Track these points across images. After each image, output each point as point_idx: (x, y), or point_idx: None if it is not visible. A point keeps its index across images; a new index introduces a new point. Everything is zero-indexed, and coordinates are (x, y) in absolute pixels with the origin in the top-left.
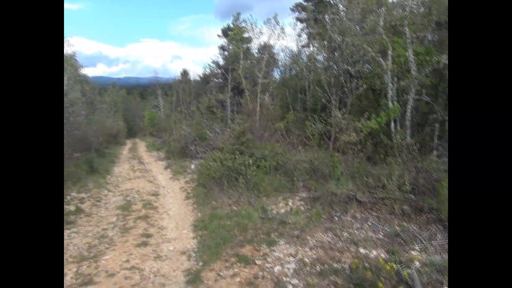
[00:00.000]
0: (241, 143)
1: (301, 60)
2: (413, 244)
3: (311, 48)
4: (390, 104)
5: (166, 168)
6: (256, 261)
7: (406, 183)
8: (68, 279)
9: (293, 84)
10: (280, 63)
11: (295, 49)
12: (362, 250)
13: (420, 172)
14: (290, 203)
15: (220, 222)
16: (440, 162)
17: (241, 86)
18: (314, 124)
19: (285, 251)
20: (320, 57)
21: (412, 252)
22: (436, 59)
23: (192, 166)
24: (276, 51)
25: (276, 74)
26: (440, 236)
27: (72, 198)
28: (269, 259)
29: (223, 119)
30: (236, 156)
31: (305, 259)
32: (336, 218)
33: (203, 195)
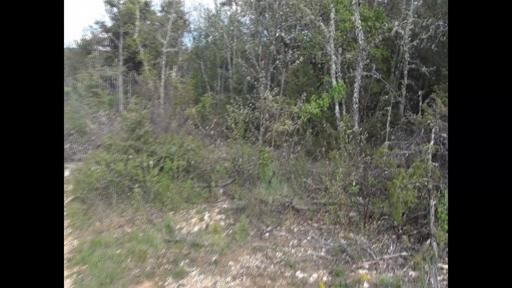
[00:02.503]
0: (138, 137)
1: (220, 23)
2: (362, 260)
3: (234, 8)
4: (334, 82)
5: None
6: None
7: (353, 183)
8: None
9: (210, 56)
10: (192, 26)
11: (212, 7)
12: (299, 274)
13: (370, 169)
14: (206, 218)
15: (107, 251)
16: (392, 154)
17: (137, 58)
18: (238, 109)
19: (199, 284)
20: (245, 20)
21: (360, 271)
22: (387, 26)
23: (66, 173)
24: (187, 10)
25: (188, 41)
26: (392, 248)
27: None
28: None
29: (112, 103)
30: (130, 157)
31: None
32: (267, 234)
33: (81, 215)
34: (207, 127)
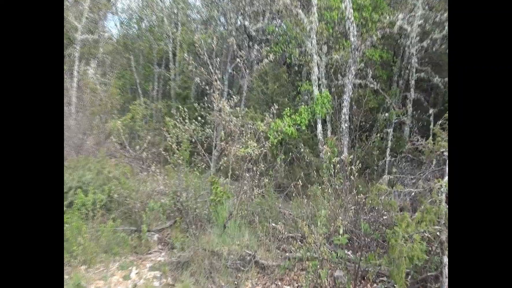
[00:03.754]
0: None
1: (160, 3)
2: None
3: None
4: (316, 91)
5: None
6: None
7: (340, 231)
8: None
9: (144, 48)
10: (120, 6)
11: None
12: None
13: (363, 212)
14: (133, 275)
15: None
16: (393, 193)
17: None
18: (182, 123)
19: None
20: (195, 1)
21: None
22: (389, 19)
23: None
24: None
25: (113, 27)
26: None
27: None
28: None
29: None
30: None
31: None
32: None
33: None
34: (137, 147)
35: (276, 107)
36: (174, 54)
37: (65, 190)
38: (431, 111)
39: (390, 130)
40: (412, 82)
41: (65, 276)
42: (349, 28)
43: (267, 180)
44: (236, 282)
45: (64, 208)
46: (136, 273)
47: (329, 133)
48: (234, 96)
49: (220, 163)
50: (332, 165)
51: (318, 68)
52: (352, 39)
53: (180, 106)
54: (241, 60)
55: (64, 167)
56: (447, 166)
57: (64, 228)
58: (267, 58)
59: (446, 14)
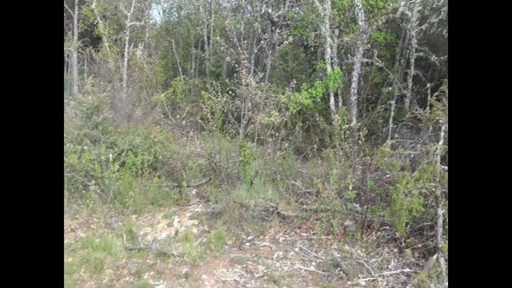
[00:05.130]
0: (95, 125)
1: None
2: (358, 276)
3: None
4: (329, 68)
5: None
6: None
7: (350, 187)
8: None
9: (183, 32)
10: None
11: None
12: None
13: (369, 171)
14: (175, 223)
15: None
16: (395, 155)
17: (96, 31)
18: (215, 96)
19: None
20: None
21: None
22: (392, 5)
23: None
24: None
25: (156, 15)
26: (394, 263)
27: None
28: None
29: (65, 85)
30: (85, 148)
31: None
32: (248, 244)
33: None
34: (178, 117)
35: (295, 82)
36: (208, 38)
37: (118, 152)
38: (428, 85)
39: (393, 102)
40: (412, 61)
41: (119, 223)
42: (357, 14)
43: (287, 144)
44: (261, 230)
45: (118, 167)
46: (178, 221)
47: (340, 104)
48: (259, 73)
49: (248, 130)
50: (342, 132)
51: (331, 49)
52: (360, 23)
53: (214, 82)
54: (265, 42)
55: (117, 133)
56: (442, 132)
57: (118, 183)
58: (287, 41)
59: (442, 1)
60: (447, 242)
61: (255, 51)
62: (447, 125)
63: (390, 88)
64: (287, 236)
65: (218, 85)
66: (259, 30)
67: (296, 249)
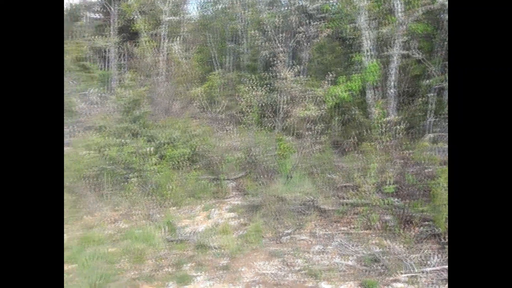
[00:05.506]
0: (134, 119)
1: None
2: (398, 272)
3: None
4: (366, 61)
5: None
6: None
7: (389, 181)
8: None
9: (219, 27)
10: None
11: None
12: (324, 285)
13: (409, 165)
14: (214, 216)
15: (99, 249)
16: (435, 149)
17: (134, 27)
18: (252, 90)
19: None
20: None
21: (396, 284)
22: None
23: None
24: None
25: (193, 9)
26: (435, 260)
27: None
28: None
29: (103, 79)
30: (126, 141)
31: None
32: (286, 237)
33: (69, 206)
34: (216, 111)
35: (332, 75)
36: (244, 32)
37: (157, 145)
38: None
39: (432, 95)
40: None
41: (158, 215)
42: (395, 5)
43: (324, 138)
44: (299, 223)
45: (157, 159)
46: (217, 214)
47: (378, 97)
48: (296, 66)
49: (285, 123)
50: (381, 125)
51: (368, 41)
52: (398, 15)
53: (250, 76)
54: (301, 36)
55: (156, 127)
56: None
57: (157, 176)
58: (323, 33)
59: None
60: None
61: (292, 44)
62: None
63: (429, 80)
64: (325, 230)
65: (255, 79)
66: (295, 24)
67: (335, 243)
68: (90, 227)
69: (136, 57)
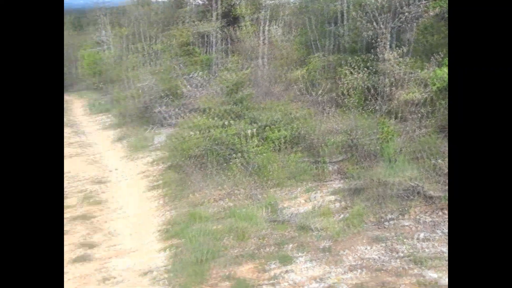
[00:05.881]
0: (237, 101)
1: None
2: None
3: None
4: None
5: (117, 141)
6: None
7: None
8: None
9: (319, 9)
10: None
11: None
12: (430, 273)
13: None
14: (315, 198)
15: (204, 226)
16: None
17: (236, 12)
18: (353, 72)
19: (308, 273)
20: None
21: None
22: None
23: (159, 139)
24: None
25: None
26: None
27: None
28: (282, 285)
29: (207, 63)
30: (229, 123)
31: (340, 286)
32: (389, 223)
33: (176, 184)
34: (316, 93)
35: (438, 57)
36: (345, 14)
37: (258, 127)
38: None
39: None
40: None
41: (259, 196)
42: None
43: (430, 122)
44: (402, 209)
45: (258, 141)
46: (318, 196)
47: None
48: (399, 48)
49: (387, 106)
50: None
51: None
52: None
53: (351, 58)
54: (405, 16)
55: (258, 109)
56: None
57: (259, 157)
58: (429, 13)
59: None
60: None
61: (395, 25)
62: None
63: None
64: (430, 217)
65: (356, 61)
66: (399, 3)
67: (440, 231)
68: (196, 205)
69: (237, 41)
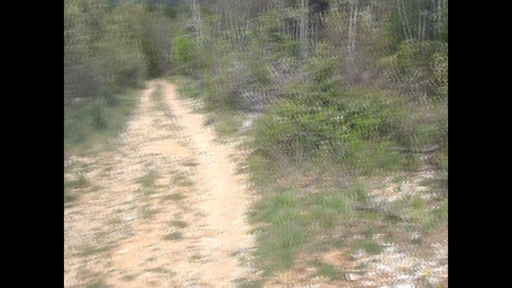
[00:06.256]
0: (325, 87)
1: None
2: None
3: None
4: None
5: (206, 124)
6: (349, 276)
7: None
8: (69, 277)
9: None
10: None
11: None
12: None
13: None
14: (405, 188)
15: (291, 210)
16: None
17: None
18: (447, 59)
19: (396, 264)
20: None
21: None
22: None
23: (247, 123)
24: None
25: None
26: None
27: (73, 163)
28: (369, 274)
29: (295, 49)
30: (317, 109)
31: (430, 279)
32: None
33: (263, 169)
34: (407, 81)
35: None
36: None
37: (347, 114)
38: None
39: None
40: None
41: (347, 183)
42: None
43: None
44: None
45: (347, 128)
46: (407, 186)
47: None
48: None
49: None
50: None
51: None
52: None
53: (444, 44)
54: None
55: (346, 95)
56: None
57: (347, 144)
58: None
59: None
60: None
61: None
62: None
63: None
64: None
65: None
66: None
67: None
68: (283, 190)
69: (325, 27)
